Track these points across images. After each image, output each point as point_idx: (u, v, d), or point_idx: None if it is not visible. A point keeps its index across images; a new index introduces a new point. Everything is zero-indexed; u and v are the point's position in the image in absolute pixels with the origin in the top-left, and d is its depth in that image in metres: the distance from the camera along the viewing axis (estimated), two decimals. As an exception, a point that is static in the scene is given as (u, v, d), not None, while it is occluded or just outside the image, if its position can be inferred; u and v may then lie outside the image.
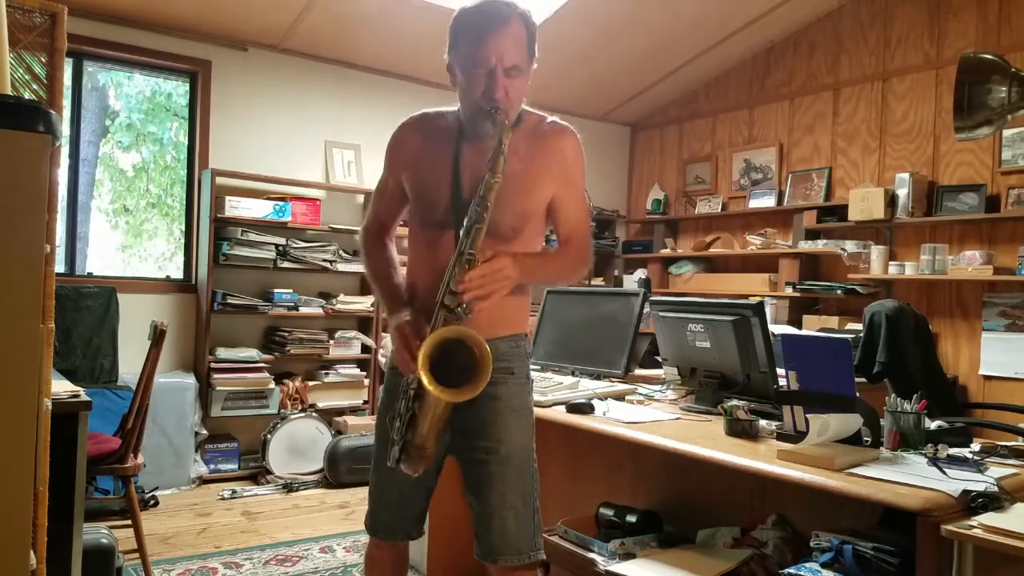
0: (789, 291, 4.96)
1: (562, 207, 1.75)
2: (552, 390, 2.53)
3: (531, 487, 1.72)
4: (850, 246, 4.69)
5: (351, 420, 4.70)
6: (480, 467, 1.69)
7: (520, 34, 1.62)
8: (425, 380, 1.48)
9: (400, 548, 1.86)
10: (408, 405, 1.60)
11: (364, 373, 4.95)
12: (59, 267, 4.25)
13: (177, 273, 4.77)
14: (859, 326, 3.58)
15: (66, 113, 4.23)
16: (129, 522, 2.87)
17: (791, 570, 1.68)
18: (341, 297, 4.86)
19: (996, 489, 1.52)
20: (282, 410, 4.57)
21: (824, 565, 1.65)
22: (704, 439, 1.98)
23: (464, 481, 1.74)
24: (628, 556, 2.05)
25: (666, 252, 5.93)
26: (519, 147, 1.68)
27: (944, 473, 1.64)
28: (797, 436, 1.90)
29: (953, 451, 1.82)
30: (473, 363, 1.51)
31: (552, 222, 1.78)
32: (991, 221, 4.23)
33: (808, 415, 1.87)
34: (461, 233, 1.56)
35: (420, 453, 1.60)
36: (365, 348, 4.93)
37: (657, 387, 2.76)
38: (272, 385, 4.56)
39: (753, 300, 2.46)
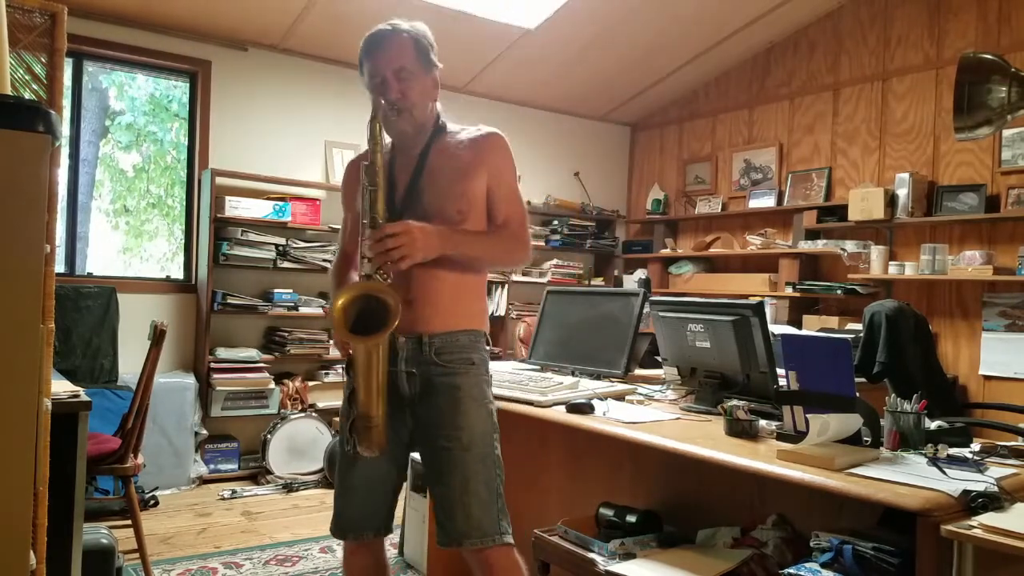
0: (789, 291, 4.96)
1: (495, 199, 1.86)
2: (552, 390, 2.53)
3: (493, 473, 1.78)
4: (850, 246, 4.69)
5: (351, 420, 4.69)
6: (442, 454, 1.75)
7: (405, 44, 1.80)
8: (338, 328, 1.61)
9: (375, 551, 1.90)
10: (349, 383, 1.70)
11: (364, 373, 4.95)
12: (59, 267, 4.25)
13: (178, 273, 4.77)
14: (859, 326, 3.57)
15: (66, 113, 4.23)
16: (129, 522, 2.87)
17: (791, 570, 1.68)
18: (341, 297, 4.86)
19: (996, 489, 1.52)
20: (282, 410, 4.57)
21: (824, 565, 1.65)
22: (704, 439, 1.98)
23: (425, 471, 1.80)
24: (628, 556, 2.05)
25: (666, 252, 5.93)
26: (446, 148, 1.85)
27: (944, 473, 1.64)
28: (797, 436, 1.90)
29: (953, 451, 1.82)
30: (385, 311, 1.62)
31: (489, 214, 1.87)
32: (991, 221, 4.23)
33: (808, 415, 1.87)
34: (361, 201, 1.72)
35: (366, 423, 1.67)
36: (365, 348, 4.92)
37: (657, 387, 2.76)
38: (272, 385, 4.56)
39: (753, 300, 2.46)
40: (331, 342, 4.79)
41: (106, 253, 4.67)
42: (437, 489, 1.77)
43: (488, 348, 1.90)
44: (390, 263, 1.65)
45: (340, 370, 4.86)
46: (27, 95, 1.78)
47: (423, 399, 1.78)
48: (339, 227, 5.10)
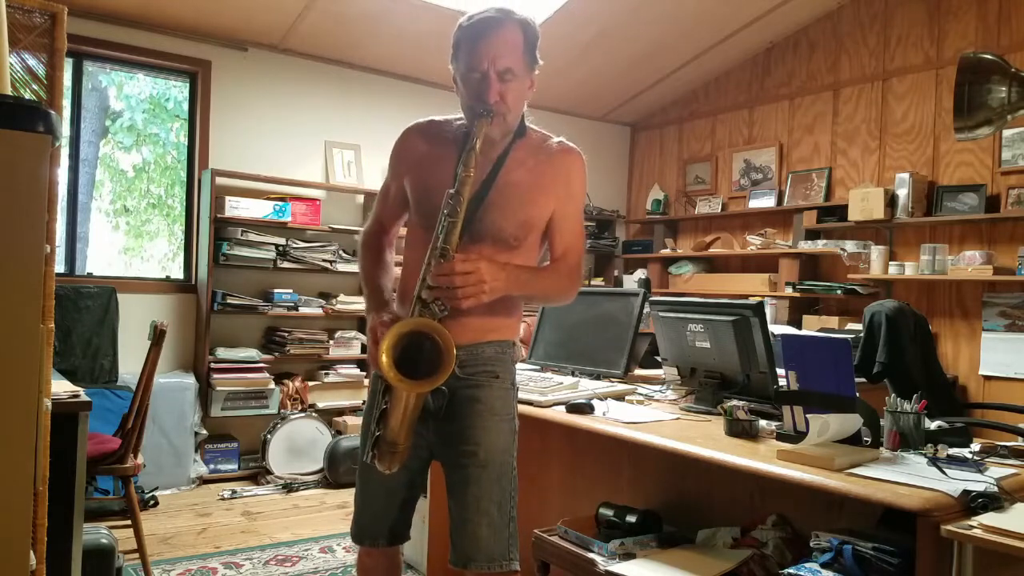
0: (789, 291, 4.96)
1: (561, 223, 1.76)
2: (552, 390, 2.53)
3: (508, 495, 1.69)
4: (850, 246, 4.69)
5: (351, 420, 4.69)
6: (458, 471, 1.69)
7: (515, 39, 1.64)
8: (385, 368, 1.49)
9: (391, 555, 1.84)
10: (381, 400, 1.61)
11: (364, 373, 4.95)
12: (59, 267, 4.25)
13: (178, 273, 4.77)
14: (859, 326, 3.58)
15: (66, 113, 4.23)
16: (129, 522, 2.87)
17: (791, 570, 1.68)
18: (341, 297, 4.86)
19: (996, 489, 1.52)
20: (282, 410, 4.57)
21: (824, 565, 1.65)
22: (704, 439, 1.98)
23: (446, 485, 1.73)
24: (628, 556, 2.05)
25: (666, 252, 5.93)
26: (525, 159, 1.72)
27: (944, 473, 1.64)
28: (797, 436, 1.90)
29: (953, 451, 1.82)
30: (438, 355, 1.52)
31: (548, 238, 1.78)
32: (991, 221, 4.23)
33: (808, 415, 1.87)
34: (436, 227, 1.58)
35: (392, 449, 1.60)
36: (365, 348, 4.92)
37: (657, 387, 2.76)
38: (272, 385, 4.55)
39: (753, 300, 2.46)
40: (331, 342, 4.80)
41: (106, 253, 4.66)
42: (450, 503, 1.70)
43: (518, 358, 1.82)
44: (452, 300, 1.54)
45: (340, 370, 4.86)
46: (27, 95, 1.78)
47: (445, 412, 1.70)
48: (339, 227, 5.06)
